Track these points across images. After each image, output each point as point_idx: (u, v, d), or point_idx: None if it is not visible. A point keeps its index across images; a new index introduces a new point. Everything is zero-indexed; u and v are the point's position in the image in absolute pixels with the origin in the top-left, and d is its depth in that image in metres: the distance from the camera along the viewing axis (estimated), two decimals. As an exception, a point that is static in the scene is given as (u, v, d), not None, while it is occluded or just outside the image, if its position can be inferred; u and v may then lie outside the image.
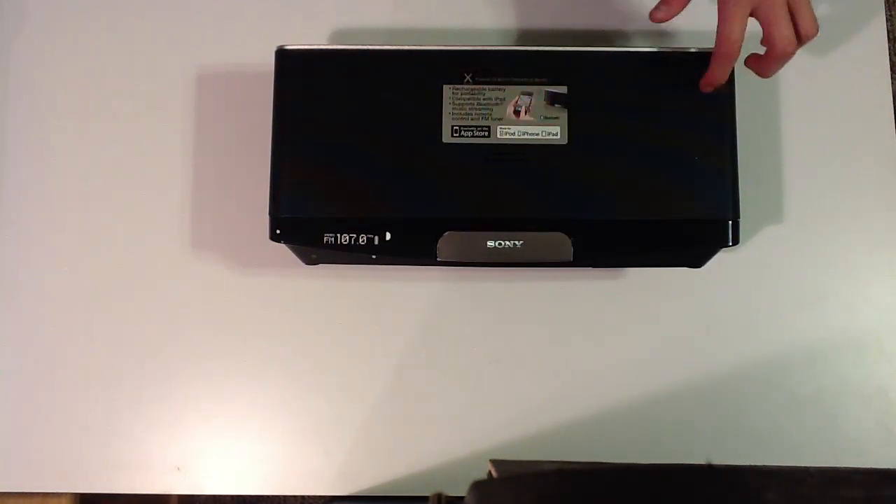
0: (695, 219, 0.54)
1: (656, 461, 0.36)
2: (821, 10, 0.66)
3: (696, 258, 0.59)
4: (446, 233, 0.54)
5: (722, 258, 0.59)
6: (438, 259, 0.54)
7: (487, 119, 0.55)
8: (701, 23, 0.66)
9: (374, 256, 0.55)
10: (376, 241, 0.54)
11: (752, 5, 0.53)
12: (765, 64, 0.55)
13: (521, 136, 0.55)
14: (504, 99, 0.55)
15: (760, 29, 0.54)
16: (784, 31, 0.53)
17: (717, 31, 0.54)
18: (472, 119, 0.55)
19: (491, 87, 0.56)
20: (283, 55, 0.57)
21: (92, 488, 0.60)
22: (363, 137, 0.55)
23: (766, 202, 0.63)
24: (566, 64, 0.56)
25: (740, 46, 0.53)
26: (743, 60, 0.57)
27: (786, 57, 0.54)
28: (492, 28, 0.66)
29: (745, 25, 0.53)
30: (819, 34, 0.65)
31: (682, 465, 0.34)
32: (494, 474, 0.44)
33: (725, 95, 0.55)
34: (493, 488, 0.38)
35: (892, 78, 0.65)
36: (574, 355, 0.61)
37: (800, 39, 0.54)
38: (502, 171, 0.55)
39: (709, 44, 0.57)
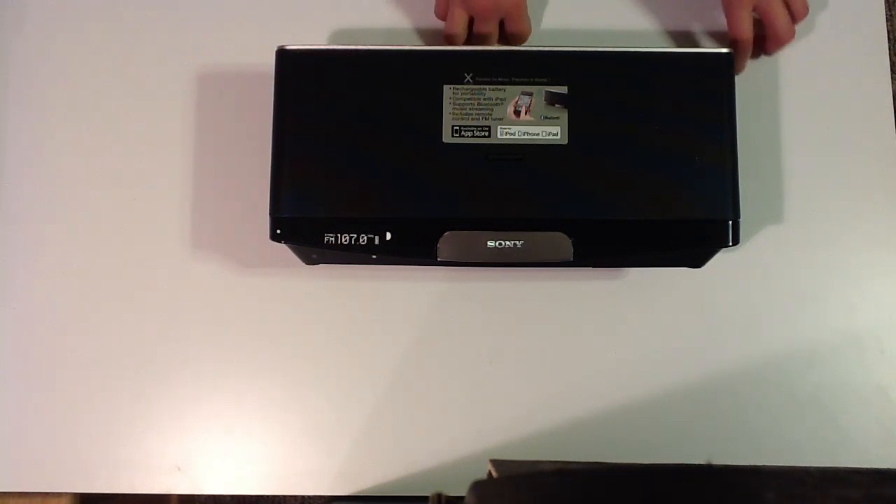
0: (695, 219, 0.54)
1: (656, 461, 0.37)
2: (821, 11, 0.66)
3: (696, 258, 0.59)
4: (446, 233, 0.54)
5: (722, 258, 0.59)
6: (438, 259, 0.54)
7: (488, 119, 0.55)
8: (701, 23, 0.66)
9: (374, 256, 0.55)
10: (376, 241, 0.54)
11: (752, 4, 0.61)
12: (768, 48, 0.64)
13: (522, 136, 0.55)
14: (504, 99, 0.55)
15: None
16: (783, 23, 0.61)
17: (729, 32, 0.62)
18: (472, 119, 0.55)
19: (491, 87, 0.56)
20: (283, 55, 0.57)
21: (92, 488, 0.60)
22: (363, 137, 0.55)
23: (766, 202, 0.63)
24: (566, 64, 0.56)
25: (751, 39, 0.61)
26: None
27: (787, 42, 0.63)
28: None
29: (751, 22, 0.61)
30: (819, 34, 0.66)
31: (682, 465, 0.34)
32: (494, 474, 0.44)
33: (725, 95, 0.56)
34: (493, 488, 0.38)
35: (892, 78, 0.65)
36: (574, 355, 0.61)
37: (795, 22, 0.62)
38: (503, 171, 0.55)
39: (708, 44, 0.58)
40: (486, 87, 0.56)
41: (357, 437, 0.60)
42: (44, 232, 0.63)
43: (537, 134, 0.55)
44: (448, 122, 0.55)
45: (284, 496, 1.05)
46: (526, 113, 0.55)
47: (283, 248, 0.56)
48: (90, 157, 0.64)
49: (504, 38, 0.64)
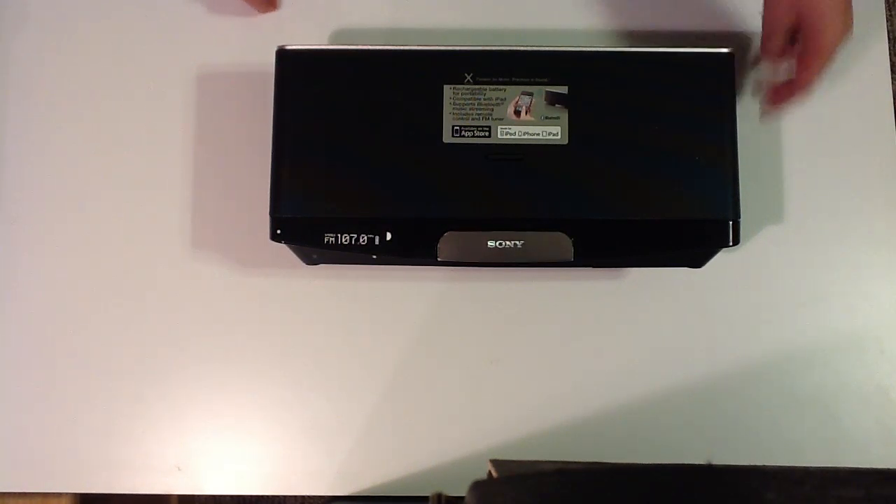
0: (695, 219, 0.54)
1: (656, 461, 0.36)
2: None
3: (696, 258, 0.59)
4: (447, 233, 0.54)
5: (722, 258, 0.59)
6: (439, 259, 0.54)
7: (488, 119, 0.55)
8: (701, 23, 0.66)
9: (374, 256, 0.55)
10: (377, 241, 0.54)
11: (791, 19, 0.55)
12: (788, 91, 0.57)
13: (522, 136, 0.55)
14: (505, 99, 0.55)
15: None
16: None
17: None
18: (472, 119, 0.55)
19: (491, 87, 0.56)
20: (283, 55, 0.57)
21: (92, 488, 0.60)
22: (364, 137, 0.55)
23: (766, 202, 0.63)
24: (566, 64, 0.56)
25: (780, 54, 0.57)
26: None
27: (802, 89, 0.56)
28: (492, 28, 0.66)
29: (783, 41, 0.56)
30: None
31: (682, 465, 0.34)
32: (494, 474, 0.44)
33: (725, 95, 0.56)
34: (493, 488, 0.38)
35: (892, 78, 0.65)
36: (574, 355, 0.61)
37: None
38: (503, 171, 0.55)
39: (712, 43, 0.57)
40: (487, 87, 0.56)
41: (357, 437, 0.60)
42: (44, 232, 0.63)
43: (537, 134, 0.55)
44: (448, 122, 0.55)
45: (284, 496, 1.05)
46: (526, 113, 0.55)
47: (283, 248, 0.56)
48: (90, 157, 0.64)
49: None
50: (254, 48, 0.65)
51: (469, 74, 0.56)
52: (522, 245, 0.54)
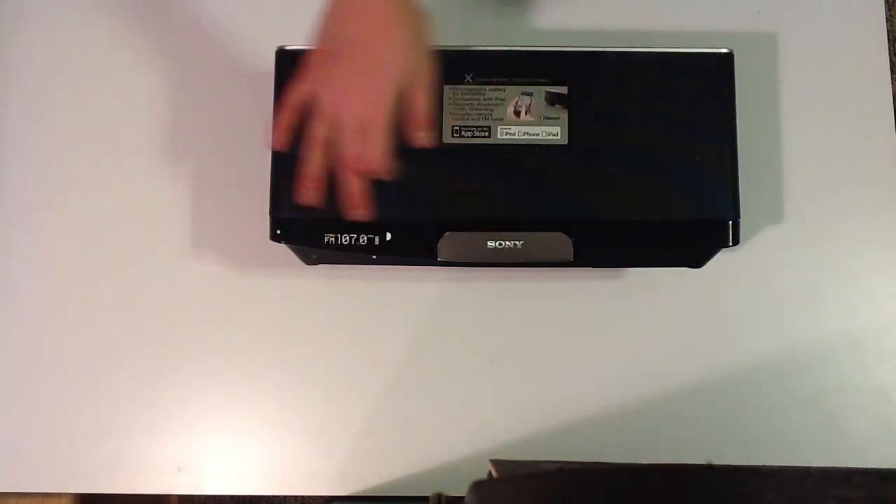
0: (695, 219, 0.54)
1: (656, 461, 0.37)
2: (821, 10, 0.66)
3: (696, 258, 0.59)
4: (446, 233, 0.54)
5: (722, 258, 0.59)
6: (438, 259, 0.54)
7: (488, 119, 0.55)
8: (701, 23, 0.66)
9: (374, 256, 0.55)
10: (376, 242, 0.54)
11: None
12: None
13: (522, 137, 0.55)
14: (504, 99, 0.55)
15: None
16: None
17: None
18: (472, 119, 0.55)
19: (491, 87, 0.56)
20: (283, 55, 0.57)
21: (92, 488, 0.60)
22: (363, 137, 0.55)
23: (766, 202, 0.63)
24: (566, 64, 0.56)
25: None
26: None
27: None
28: (492, 28, 0.66)
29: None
30: (819, 34, 0.66)
31: (682, 465, 0.34)
32: (494, 474, 0.44)
33: (725, 95, 0.55)
34: (493, 488, 0.38)
35: (892, 78, 0.65)
36: (574, 355, 0.61)
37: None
38: (502, 172, 0.55)
39: (711, 43, 0.57)
40: (486, 87, 0.56)
41: (357, 437, 0.60)
42: (44, 232, 0.63)
43: (537, 134, 0.55)
44: (448, 122, 0.55)
45: (284, 496, 1.05)
46: (526, 113, 0.55)
47: (283, 248, 0.56)
48: (90, 157, 0.64)
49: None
50: (254, 48, 0.65)
51: (469, 74, 0.56)
52: (522, 245, 0.54)
